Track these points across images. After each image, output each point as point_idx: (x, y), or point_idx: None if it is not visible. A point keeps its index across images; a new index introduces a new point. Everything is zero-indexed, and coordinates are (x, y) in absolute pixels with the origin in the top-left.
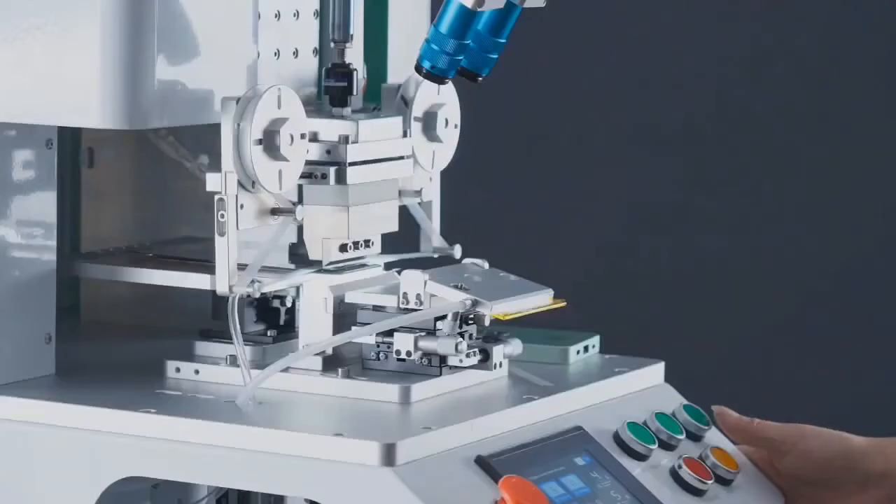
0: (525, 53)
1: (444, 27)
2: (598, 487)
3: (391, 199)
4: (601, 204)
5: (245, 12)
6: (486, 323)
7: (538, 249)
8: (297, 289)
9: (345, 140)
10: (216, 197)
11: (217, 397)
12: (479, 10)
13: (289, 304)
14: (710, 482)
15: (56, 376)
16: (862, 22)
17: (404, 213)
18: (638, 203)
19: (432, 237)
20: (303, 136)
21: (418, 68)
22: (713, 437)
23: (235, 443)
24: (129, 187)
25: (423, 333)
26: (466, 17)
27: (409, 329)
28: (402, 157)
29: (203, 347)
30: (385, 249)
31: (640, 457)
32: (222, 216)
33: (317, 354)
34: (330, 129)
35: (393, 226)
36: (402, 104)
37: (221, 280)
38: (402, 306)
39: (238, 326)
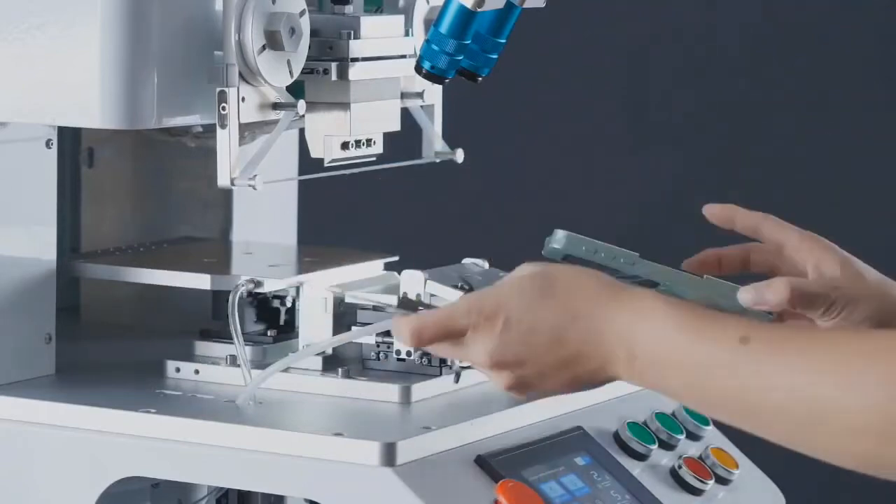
0: (525, 53)
1: (444, 27)
2: (598, 487)
3: (393, 97)
4: (601, 203)
5: None
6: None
7: (538, 249)
8: (297, 289)
9: (347, 36)
10: (217, 90)
11: (217, 397)
12: (479, 10)
13: (289, 304)
14: (710, 482)
15: (56, 376)
16: (862, 19)
17: (402, 137)
18: (638, 202)
19: (434, 140)
20: (304, 29)
21: (418, 68)
22: (713, 437)
23: (235, 443)
24: (129, 187)
25: None
26: (466, 18)
27: None
28: (403, 56)
29: (203, 347)
30: (386, 157)
31: (640, 457)
32: (224, 108)
33: (317, 354)
34: (332, 24)
35: (395, 125)
36: (404, 5)
37: (223, 172)
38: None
39: (238, 326)
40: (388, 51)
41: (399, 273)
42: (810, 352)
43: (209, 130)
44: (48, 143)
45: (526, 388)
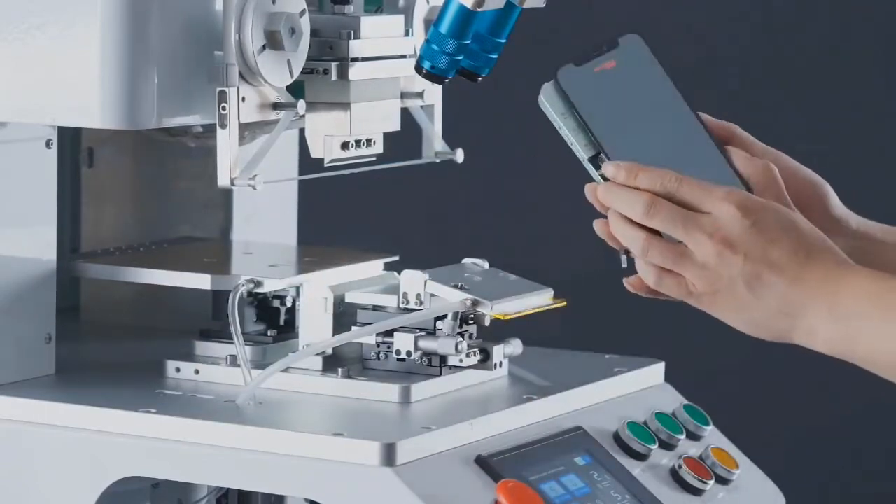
0: (525, 53)
1: (444, 27)
2: (598, 487)
3: (393, 97)
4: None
5: None
6: (486, 323)
7: (538, 249)
8: (297, 289)
9: (347, 36)
10: (217, 90)
11: (217, 397)
12: (479, 10)
13: (289, 304)
14: (710, 482)
15: (56, 376)
16: (863, 17)
17: (402, 136)
18: None
19: (434, 140)
20: (304, 29)
21: (418, 69)
22: (713, 437)
23: (235, 443)
24: (129, 187)
25: (423, 333)
26: (466, 18)
27: (409, 329)
28: (403, 56)
29: (203, 347)
30: (386, 157)
31: (640, 457)
32: (224, 108)
33: (317, 354)
34: (332, 24)
35: (395, 125)
36: (404, 5)
37: (223, 172)
38: (402, 306)
39: (238, 326)
40: (388, 51)
41: (399, 273)
42: None
43: (209, 130)
44: (48, 143)
45: (711, 290)
